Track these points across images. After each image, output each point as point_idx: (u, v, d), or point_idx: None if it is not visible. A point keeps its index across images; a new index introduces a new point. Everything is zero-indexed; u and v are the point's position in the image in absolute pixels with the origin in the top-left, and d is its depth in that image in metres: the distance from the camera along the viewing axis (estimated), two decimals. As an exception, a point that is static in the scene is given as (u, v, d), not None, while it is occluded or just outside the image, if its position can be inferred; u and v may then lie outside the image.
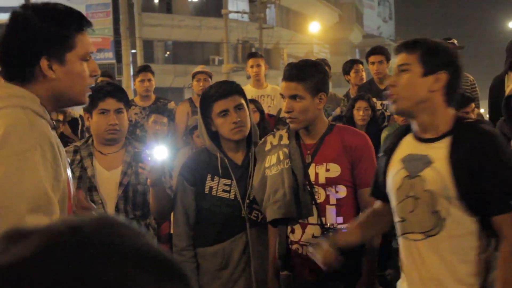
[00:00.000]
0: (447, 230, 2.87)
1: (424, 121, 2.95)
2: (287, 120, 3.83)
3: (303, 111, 3.70)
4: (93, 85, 2.54)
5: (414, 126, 3.02)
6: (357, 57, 59.06)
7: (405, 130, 3.11)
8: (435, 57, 2.91)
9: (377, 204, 3.33)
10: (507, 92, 7.34)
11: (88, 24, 2.47)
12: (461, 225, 2.86)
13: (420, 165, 2.93)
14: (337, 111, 7.71)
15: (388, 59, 7.73)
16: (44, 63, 2.34)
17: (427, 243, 2.92)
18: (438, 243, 2.90)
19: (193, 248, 4.09)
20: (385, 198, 3.19)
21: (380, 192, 3.22)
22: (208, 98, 4.02)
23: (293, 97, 3.71)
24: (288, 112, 3.73)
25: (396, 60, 3.03)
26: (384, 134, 6.91)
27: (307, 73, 3.73)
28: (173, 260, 0.79)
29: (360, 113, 6.88)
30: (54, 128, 2.43)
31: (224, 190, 4.02)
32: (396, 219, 3.06)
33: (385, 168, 3.12)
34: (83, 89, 2.45)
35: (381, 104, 7.38)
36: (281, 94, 3.80)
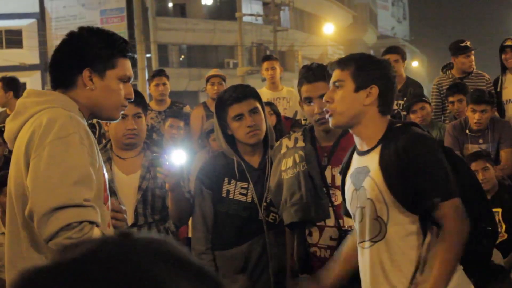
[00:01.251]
0: (390, 234, 2.99)
1: (361, 133, 3.09)
2: (319, 122, 3.79)
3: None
4: (126, 106, 2.81)
5: (356, 140, 3.16)
6: (372, 58, 58.79)
7: (354, 148, 3.23)
8: (365, 72, 3.05)
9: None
10: (503, 94, 7.41)
11: (132, 52, 2.81)
12: (402, 226, 2.98)
13: (362, 176, 3.07)
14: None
15: (403, 58, 7.69)
16: (86, 73, 2.66)
17: (374, 249, 3.04)
18: (384, 248, 3.01)
19: (211, 252, 4.11)
20: None
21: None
22: (223, 102, 4.04)
23: (322, 96, 3.70)
24: (320, 114, 3.69)
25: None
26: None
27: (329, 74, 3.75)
28: (209, 270, 0.84)
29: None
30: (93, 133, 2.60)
31: (241, 193, 4.03)
32: (355, 228, 3.20)
33: (342, 186, 3.28)
34: (116, 106, 2.75)
35: (397, 104, 7.37)
36: (306, 98, 3.77)
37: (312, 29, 48.05)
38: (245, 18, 36.21)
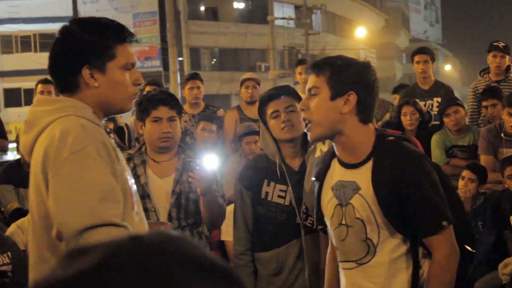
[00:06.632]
0: (378, 256, 2.84)
1: (343, 144, 2.87)
2: None
3: None
4: (137, 93, 2.65)
5: (337, 150, 2.94)
6: (404, 61, 58.59)
7: (332, 154, 3.01)
8: (341, 78, 2.81)
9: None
10: None
11: (130, 36, 2.59)
12: (393, 248, 2.84)
13: (349, 192, 2.87)
14: (386, 117, 7.67)
15: (433, 59, 7.71)
16: (86, 72, 2.49)
17: (360, 271, 2.88)
18: (371, 270, 2.86)
19: (251, 253, 4.13)
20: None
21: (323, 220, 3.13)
22: (262, 102, 4.10)
23: None
24: None
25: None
26: (434, 139, 6.85)
27: None
28: (228, 267, 0.81)
29: (407, 118, 6.84)
30: (108, 133, 2.55)
31: (279, 196, 4.03)
32: (334, 245, 3.02)
33: (318, 195, 3.05)
34: (125, 97, 2.58)
35: (424, 105, 7.35)
36: None
37: (344, 33, 47.93)
38: (277, 22, 36.20)
